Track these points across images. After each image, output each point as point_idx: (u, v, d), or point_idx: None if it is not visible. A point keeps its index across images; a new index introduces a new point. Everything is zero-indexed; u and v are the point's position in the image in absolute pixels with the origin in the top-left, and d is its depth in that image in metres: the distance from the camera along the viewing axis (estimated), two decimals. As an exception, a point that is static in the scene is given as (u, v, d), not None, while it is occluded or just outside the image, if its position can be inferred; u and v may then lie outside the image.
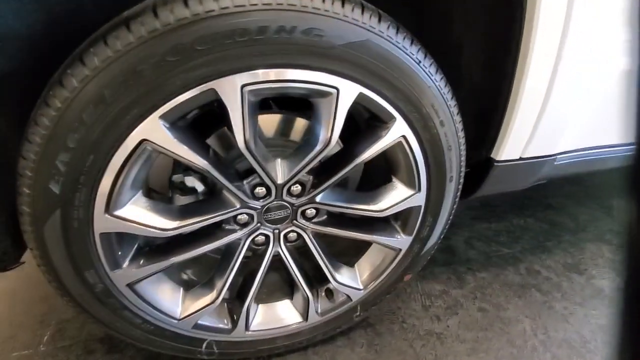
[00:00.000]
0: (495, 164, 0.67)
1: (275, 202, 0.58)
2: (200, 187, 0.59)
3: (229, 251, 0.62)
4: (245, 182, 0.55)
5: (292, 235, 0.64)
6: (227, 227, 0.59)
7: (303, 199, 0.59)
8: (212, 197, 0.59)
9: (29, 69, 0.44)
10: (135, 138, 0.42)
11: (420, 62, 0.49)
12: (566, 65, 0.57)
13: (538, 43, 0.54)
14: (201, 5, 0.38)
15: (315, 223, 0.63)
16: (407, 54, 0.48)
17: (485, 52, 0.61)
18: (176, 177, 0.59)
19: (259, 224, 0.60)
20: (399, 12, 0.50)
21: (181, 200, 0.60)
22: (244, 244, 0.60)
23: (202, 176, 0.60)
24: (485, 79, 0.62)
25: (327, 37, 0.43)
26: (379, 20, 0.45)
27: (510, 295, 0.92)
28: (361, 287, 0.70)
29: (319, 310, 0.70)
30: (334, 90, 0.46)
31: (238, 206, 0.55)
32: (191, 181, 0.59)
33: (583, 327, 0.84)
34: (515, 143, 0.64)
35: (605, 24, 0.58)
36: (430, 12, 0.62)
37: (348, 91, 0.47)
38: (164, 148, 0.44)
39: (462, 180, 0.65)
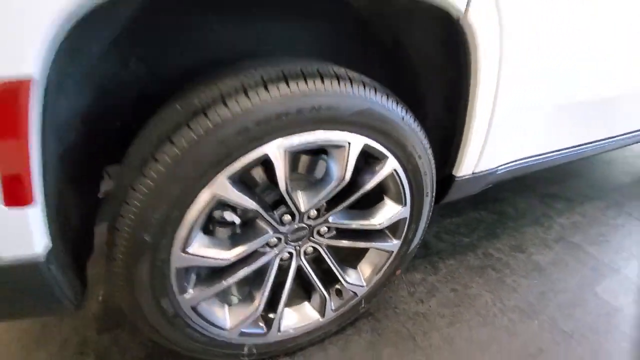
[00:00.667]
0: (456, 179, 0.88)
1: (297, 226, 0.73)
2: (237, 220, 0.73)
3: (261, 269, 0.77)
4: (275, 212, 0.70)
5: (310, 250, 0.80)
6: (261, 250, 0.73)
7: (319, 221, 0.75)
8: (248, 227, 0.73)
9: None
10: (208, 194, 0.56)
11: (403, 117, 0.68)
12: (500, 107, 0.79)
13: (480, 92, 0.75)
14: (257, 96, 0.53)
15: (327, 238, 0.79)
16: (395, 113, 0.66)
17: (445, 100, 0.82)
18: (217, 213, 0.72)
19: (285, 244, 0.75)
20: (382, 77, 0.69)
21: (221, 232, 0.74)
22: (274, 262, 0.75)
23: (235, 209, 0.73)
24: (446, 118, 0.83)
25: (342, 110, 0.60)
26: (376, 92, 0.63)
27: (473, 275, 1.16)
28: (364, 284, 0.88)
29: (333, 307, 0.87)
30: (346, 144, 0.63)
31: (271, 232, 0.70)
32: (229, 215, 0.72)
33: (528, 294, 1.10)
34: (468, 163, 0.86)
35: (524, 76, 0.81)
36: (404, 76, 0.82)
37: (356, 143, 0.64)
38: (228, 199, 0.58)
39: (434, 194, 0.85)
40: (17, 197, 0.43)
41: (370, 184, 0.71)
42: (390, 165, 0.71)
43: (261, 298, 0.75)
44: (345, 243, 0.81)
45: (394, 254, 0.87)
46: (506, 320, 1.01)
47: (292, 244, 0.76)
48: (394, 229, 0.84)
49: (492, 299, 1.07)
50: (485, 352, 0.92)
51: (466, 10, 0.60)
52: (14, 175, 0.42)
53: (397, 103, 0.67)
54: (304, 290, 0.90)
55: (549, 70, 0.84)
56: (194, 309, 0.67)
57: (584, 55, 0.89)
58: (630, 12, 0.92)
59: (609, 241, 1.35)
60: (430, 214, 0.88)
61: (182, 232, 0.57)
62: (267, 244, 0.72)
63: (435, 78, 0.80)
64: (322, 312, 0.86)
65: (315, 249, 0.80)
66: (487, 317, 1.02)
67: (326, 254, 0.81)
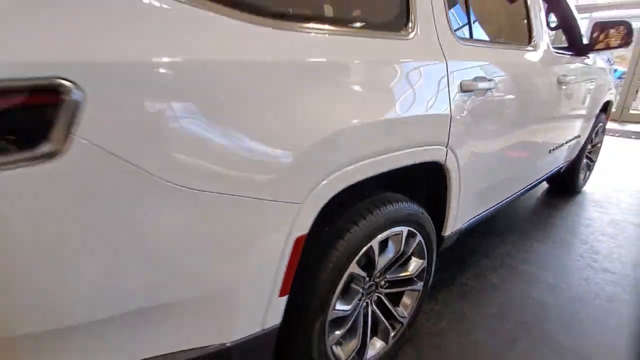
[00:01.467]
0: (445, 237, 1.47)
1: (371, 283, 1.21)
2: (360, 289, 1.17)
3: (353, 315, 1.20)
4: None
5: (375, 298, 1.27)
6: (356, 302, 1.18)
7: (381, 278, 1.24)
8: (351, 289, 1.17)
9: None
10: (348, 272, 1.02)
11: (422, 212, 1.25)
12: (462, 196, 1.42)
13: (453, 192, 1.36)
14: (375, 214, 1.05)
15: (385, 288, 1.28)
16: (419, 211, 1.23)
17: (435, 199, 1.42)
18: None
19: (365, 297, 1.21)
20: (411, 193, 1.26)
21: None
22: (361, 310, 1.20)
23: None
24: (437, 206, 1.43)
25: (404, 215, 1.14)
26: (412, 203, 1.19)
27: (454, 296, 1.71)
28: (407, 315, 1.36)
29: (392, 336, 1.32)
30: (402, 231, 1.17)
31: (361, 290, 1.16)
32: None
33: (490, 304, 1.68)
34: (449, 227, 1.46)
35: (472, 180, 1.46)
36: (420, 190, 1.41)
37: (405, 230, 1.18)
38: (355, 273, 1.04)
39: (435, 249, 1.42)
40: (286, 290, 0.85)
41: (410, 251, 1.25)
42: (418, 238, 1.26)
43: (359, 336, 1.18)
44: (393, 290, 1.30)
45: (420, 292, 1.38)
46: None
47: (368, 296, 1.23)
48: (419, 275, 1.36)
49: (468, 308, 1.63)
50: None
51: (445, 161, 1.23)
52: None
53: (419, 205, 1.24)
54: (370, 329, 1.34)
55: (483, 174, 1.52)
56: (331, 349, 1.07)
57: (500, 164, 1.61)
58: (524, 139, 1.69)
59: (531, 261, 2.06)
60: (434, 260, 1.43)
61: (335, 296, 1.01)
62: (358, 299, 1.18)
63: (431, 189, 1.41)
64: (386, 340, 1.31)
65: (378, 297, 1.28)
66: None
67: (385, 298, 1.29)
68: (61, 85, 0.53)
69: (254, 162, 0.73)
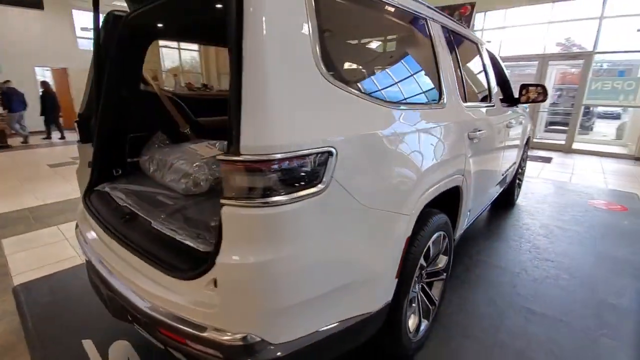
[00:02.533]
0: (455, 239, 2.02)
1: (421, 273, 1.69)
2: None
3: (416, 297, 1.65)
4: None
5: (419, 286, 1.74)
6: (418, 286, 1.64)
7: (423, 271, 1.72)
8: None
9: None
10: (419, 263, 1.49)
11: (447, 221, 1.78)
12: (464, 209, 2.00)
13: (463, 204, 1.94)
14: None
15: (426, 278, 1.76)
16: (447, 220, 1.76)
17: (448, 211, 1.98)
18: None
19: (419, 283, 1.68)
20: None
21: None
22: (418, 294, 1.66)
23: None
24: (450, 216, 1.98)
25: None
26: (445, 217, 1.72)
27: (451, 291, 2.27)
28: (438, 299, 1.85)
29: (431, 314, 1.80)
30: (440, 235, 1.68)
31: (419, 278, 1.63)
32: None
33: (478, 293, 2.27)
34: (458, 232, 2.02)
35: (470, 198, 2.07)
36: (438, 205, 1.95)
37: (441, 234, 1.70)
38: (421, 264, 1.52)
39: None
40: (398, 274, 1.29)
41: (442, 249, 1.77)
42: (446, 240, 1.79)
43: (418, 313, 1.63)
44: (430, 279, 1.80)
45: (444, 281, 1.90)
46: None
47: (419, 283, 1.70)
48: (445, 268, 1.88)
49: (467, 292, 2.20)
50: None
51: (461, 184, 1.80)
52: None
53: (448, 218, 1.78)
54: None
55: (475, 192, 2.13)
56: (407, 321, 1.51)
57: (481, 185, 2.24)
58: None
59: (496, 256, 2.74)
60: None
61: (412, 280, 1.46)
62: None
63: (447, 205, 1.95)
64: (428, 318, 1.78)
65: (422, 285, 1.76)
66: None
67: (428, 286, 1.77)
68: (329, 151, 0.95)
69: (396, 191, 1.19)
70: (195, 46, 13.23)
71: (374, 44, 1.58)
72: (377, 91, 1.22)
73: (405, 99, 1.39)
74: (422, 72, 1.60)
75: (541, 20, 8.10)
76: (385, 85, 1.29)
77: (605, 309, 2.07)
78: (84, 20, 11.16)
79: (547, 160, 6.92)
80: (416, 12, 1.54)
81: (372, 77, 1.32)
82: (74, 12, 10.84)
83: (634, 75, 7.96)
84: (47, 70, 11.21)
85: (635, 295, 2.23)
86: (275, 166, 0.82)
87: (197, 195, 1.50)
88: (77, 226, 1.73)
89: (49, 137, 9.49)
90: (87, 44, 11.80)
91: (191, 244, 1.06)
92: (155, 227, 1.24)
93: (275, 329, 0.92)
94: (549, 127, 9.59)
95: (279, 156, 0.82)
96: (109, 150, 1.82)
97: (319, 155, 0.91)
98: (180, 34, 2.62)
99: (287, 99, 0.87)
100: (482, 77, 2.50)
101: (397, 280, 1.31)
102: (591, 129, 10.64)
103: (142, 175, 1.89)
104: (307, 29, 0.93)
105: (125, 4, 1.72)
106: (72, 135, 9.44)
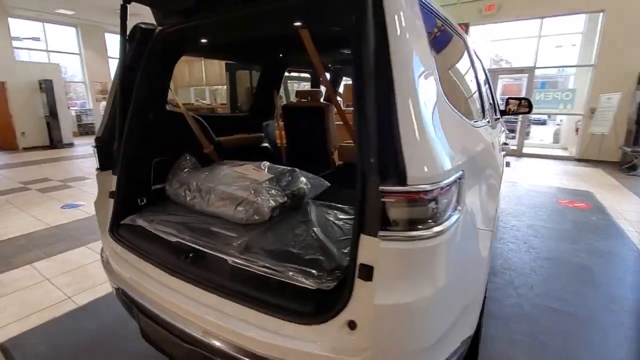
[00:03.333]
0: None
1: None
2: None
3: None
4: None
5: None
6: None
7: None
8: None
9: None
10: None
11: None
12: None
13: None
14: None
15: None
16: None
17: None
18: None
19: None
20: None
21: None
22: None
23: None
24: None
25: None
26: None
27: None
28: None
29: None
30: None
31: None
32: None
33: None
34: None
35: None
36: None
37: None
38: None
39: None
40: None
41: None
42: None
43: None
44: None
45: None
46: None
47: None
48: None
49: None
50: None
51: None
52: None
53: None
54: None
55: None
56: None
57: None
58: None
59: (498, 254, 2.90)
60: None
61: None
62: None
63: None
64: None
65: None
66: (505, 307, 2.22)
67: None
68: (462, 175, 0.93)
69: (487, 207, 1.21)
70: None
71: (454, 69, 1.63)
72: (470, 114, 1.26)
73: (475, 117, 1.45)
74: (477, 91, 1.68)
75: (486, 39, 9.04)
76: (468, 105, 1.33)
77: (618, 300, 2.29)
78: (21, 28, 9.98)
79: (507, 164, 7.57)
80: (461, 35, 1.61)
81: (461, 98, 1.35)
82: (10, 20, 9.62)
83: (562, 87, 9.13)
84: (-21, 84, 9.80)
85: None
86: (438, 195, 0.79)
87: (259, 224, 1.38)
88: (107, 262, 1.51)
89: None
90: (25, 55, 10.57)
91: (307, 283, 0.97)
92: (239, 265, 1.11)
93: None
94: (500, 133, 10.57)
95: (442, 184, 0.79)
96: (135, 178, 1.62)
97: (460, 179, 0.90)
98: (224, 51, 2.51)
99: (436, 127, 0.85)
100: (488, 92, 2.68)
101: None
102: (529, 134, 11.90)
103: (172, 203, 1.71)
104: (432, 58, 0.94)
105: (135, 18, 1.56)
106: (11, 157, 8.30)
